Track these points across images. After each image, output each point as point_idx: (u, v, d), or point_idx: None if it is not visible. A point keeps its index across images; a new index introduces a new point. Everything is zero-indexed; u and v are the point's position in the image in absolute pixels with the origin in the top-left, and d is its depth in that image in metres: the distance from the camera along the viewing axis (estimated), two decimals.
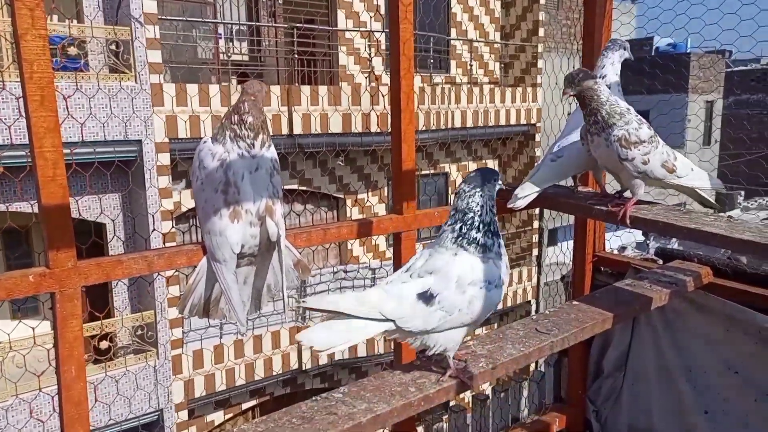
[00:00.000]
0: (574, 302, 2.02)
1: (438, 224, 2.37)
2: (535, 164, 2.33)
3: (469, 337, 1.61)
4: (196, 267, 1.60)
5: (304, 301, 1.45)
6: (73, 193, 6.95)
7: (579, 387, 2.76)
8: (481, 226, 1.40)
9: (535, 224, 12.34)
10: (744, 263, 2.37)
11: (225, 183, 1.52)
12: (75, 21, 7.58)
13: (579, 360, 2.73)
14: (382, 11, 10.03)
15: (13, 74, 6.50)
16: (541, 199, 2.23)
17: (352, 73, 9.94)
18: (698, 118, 17.29)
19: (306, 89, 8.82)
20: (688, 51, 17.54)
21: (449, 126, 10.69)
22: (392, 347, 2.27)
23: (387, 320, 1.36)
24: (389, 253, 9.81)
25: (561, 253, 9.33)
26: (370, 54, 9.99)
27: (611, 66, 2.12)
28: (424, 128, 10.02)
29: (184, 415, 8.30)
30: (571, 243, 2.78)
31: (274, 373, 8.91)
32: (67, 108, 5.93)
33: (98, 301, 7.36)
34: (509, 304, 11.92)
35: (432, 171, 11.57)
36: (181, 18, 8.71)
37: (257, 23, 9.86)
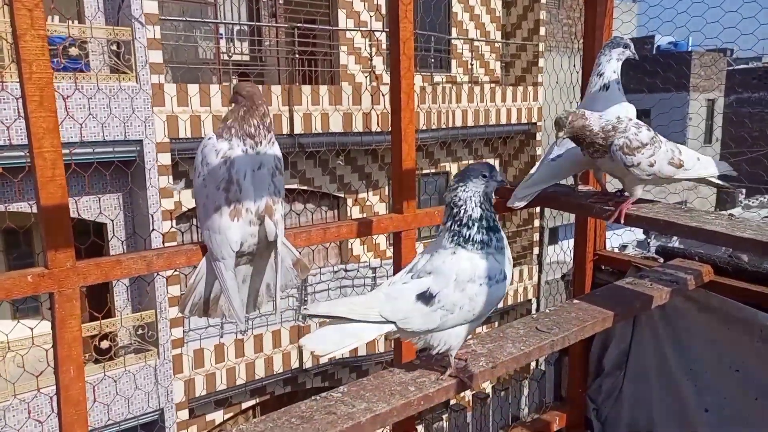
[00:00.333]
0: (575, 301, 2.02)
1: (438, 223, 2.37)
2: (536, 163, 2.33)
3: (469, 336, 1.60)
4: (196, 266, 1.60)
5: (305, 308, 1.46)
6: (73, 193, 6.97)
7: (579, 386, 2.75)
8: (470, 223, 1.38)
9: (536, 223, 12.34)
10: (745, 261, 2.37)
11: (227, 180, 1.52)
12: (76, 21, 7.59)
13: (579, 358, 2.73)
14: (383, 11, 10.03)
15: (12, 75, 6.50)
16: (542, 197, 2.22)
17: (353, 72, 9.94)
18: (699, 117, 17.26)
19: (307, 89, 8.82)
20: (689, 49, 17.51)
21: (450, 125, 10.68)
22: (392, 346, 2.26)
23: (388, 322, 1.37)
24: (390, 252, 9.80)
25: (562, 252, 9.33)
26: (370, 53, 9.98)
27: (608, 63, 2.11)
28: (424, 127, 10.01)
29: (184, 414, 8.31)
30: (571, 241, 2.77)
31: (275, 372, 8.91)
32: (66, 108, 5.92)
33: (99, 300, 7.36)
34: (510, 302, 11.91)
35: (433, 170, 11.56)
36: (182, 18, 8.71)
37: (258, 23, 9.86)
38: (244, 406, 9.33)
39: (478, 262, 1.39)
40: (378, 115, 9.29)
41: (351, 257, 10.29)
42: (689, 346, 2.38)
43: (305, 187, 9.72)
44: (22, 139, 6.05)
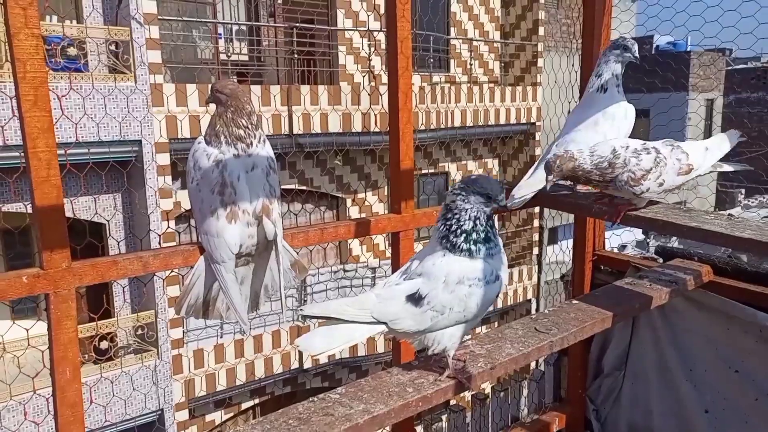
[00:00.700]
0: (574, 301, 2.01)
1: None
2: (535, 163, 2.32)
3: (468, 337, 1.60)
4: (192, 267, 1.59)
5: (301, 309, 1.46)
6: (71, 193, 6.96)
7: (579, 386, 2.75)
8: (459, 232, 1.38)
9: (536, 223, 12.33)
10: (744, 261, 2.36)
11: (221, 184, 1.50)
12: (74, 21, 7.57)
13: (579, 359, 2.72)
14: (382, 10, 10.02)
15: (6, 74, 6.49)
16: (540, 197, 2.22)
17: (352, 72, 9.93)
18: (699, 116, 17.27)
19: (305, 89, 8.81)
20: (688, 49, 17.51)
21: (449, 125, 10.67)
22: (392, 347, 2.26)
23: (380, 323, 1.39)
24: (389, 252, 9.79)
25: (561, 252, 9.33)
26: (369, 53, 9.98)
27: (606, 65, 2.12)
28: (423, 127, 10.00)
29: (184, 414, 8.30)
30: (571, 242, 2.77)
31: (275, 373, 8.90)
32: (62, 108, 5.92)
33: (98, 301, 7.35)
34: (509, 302, 11.91)
35: (432, 170, 11.55)
36: (180, 18, 8.69)
37: (257, 23, 9.85)
38: (244, 406, 9.33)
39: (467, 264, 1.39)
40: (377, 115, 9.28)
41: (350, 257, 10.28)
42: (689, 346, 2.38)
43: (304, 187, 9.71)
44: (17, 139, 6.04)
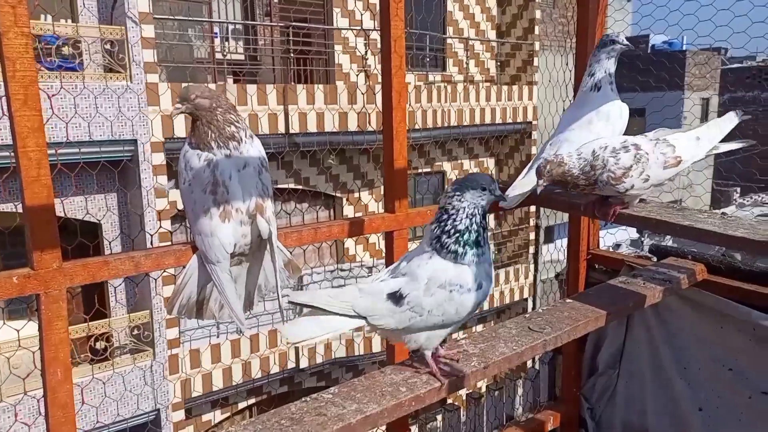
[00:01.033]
0: (568, 300, 2.01)
1: None
2: (529, 163, 2.32)
3: (464, 335, 1.61)
4: (184, 267, 1.58)
5: (286, 295, 1.47)
6: (66, 193, 6.94)
7: (573, 385, 2.75)
8: (452, 232, 1.38)
9: (531, 221, 12.34)
10: (738, 260, 2.36)
11: (213, 183, 1.50)
12: (69, 20, 7.54)
13: (573, 358, 2.72)
14: (377, 9, 9.99)
15: None
16: (535, 196, 2.22)
17: (348, 71, 9.92)
18: (693, 115, 17.30)
19: (301, 88, 8.80)
20: (683, 48, 17.56)
21: (445, 124, 10.67)
22: (386, 346, 2.26)
23: (361, 317, 1.41)
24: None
25: (556, 251, 9.34)
26: (365, 52, 9.97)
27: (598, 63, 2.12)
28: (419, 126, 10.00)
29: (180, 414, 8.28)
30: (566, 240, 2.77)
31: (271, 372, 8.89)
32: (52, 107, 5.88)
33: (93, 301, 7.33)
34: (506, 301, 11.92)
35: (428, 169, 11.56)
36: (176, 17, 8.67)
37: (252, 22, 9.83)
38: (241, 406, 9.32)
39: (451, 269, 1.39)
40: (369, 114, 9.27)
41: (346, 257, 10.28)
42: (682, 344, 2.38)
43: (300, 187, 9.69)
44: (5, 138, 6.01)
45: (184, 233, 8.68)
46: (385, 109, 2.07)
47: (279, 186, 9.36)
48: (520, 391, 2.84)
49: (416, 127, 9.87)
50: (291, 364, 9.08)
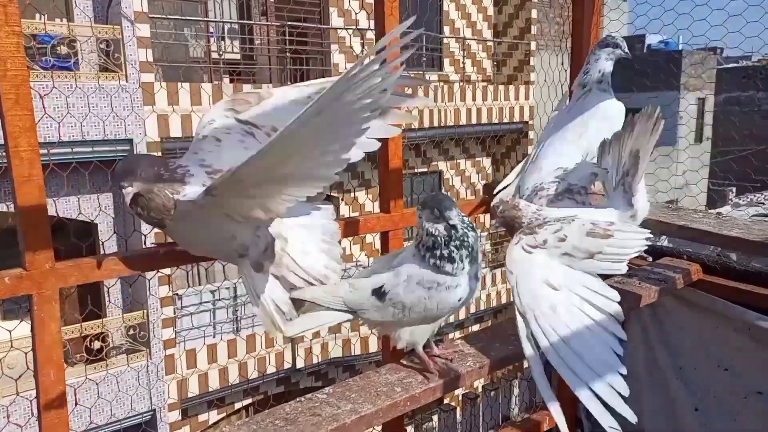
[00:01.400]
0: None
1: None
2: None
3: (460, 334, 1.62)
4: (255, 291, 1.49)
5: (291, 290, 1.52)
6: (61, 192, 6.92)
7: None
8: (423, 248, 1.43)
9: None
10: (733, 260, 2.37)
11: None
12: (65, 20, 7.52)
13: None
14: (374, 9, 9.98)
15: None
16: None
17: (344, 71, 9.91)
18: (689, 115, 17.35)
19: None
20: (679, 48, 17.59)
21: (442, 124, 10.67)
22: (381, 346, 2.25)
23: (352, 310, 1.50)
24: None
25: None
26: (362, 52, 9.96)
27: (595, 63, 2.09)
28: (416, 126, 9.99)
29: (176, 415, 8.26)
30: None
31: (267, 372, 8.88)
32: (44, 107, 5.85)
33: (89, 301, 7.31)
34: (503, 301, 11.93)
35: (424, 169, 11.56)
36: (172, 17, 8.65)
37: (248, 21, 9.81)
38: (237, 406, 9.30)
39: (431, 272, 1.43)
40: None
41: (344, 256, 10.27)
42: (678, 344, 2.38)
43: None
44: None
45: None
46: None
47: None
48: (516, 391, 2.84)
49: (413, 126, 9.87)
50: (287, 365, 9.07)
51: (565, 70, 2.69)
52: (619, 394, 1.46)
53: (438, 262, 1.41)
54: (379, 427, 2.01)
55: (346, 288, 1.50)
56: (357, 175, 10.41)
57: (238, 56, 10.06)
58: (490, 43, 12.53)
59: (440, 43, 11.65)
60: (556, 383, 2.83)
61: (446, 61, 11.81)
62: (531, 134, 12.26)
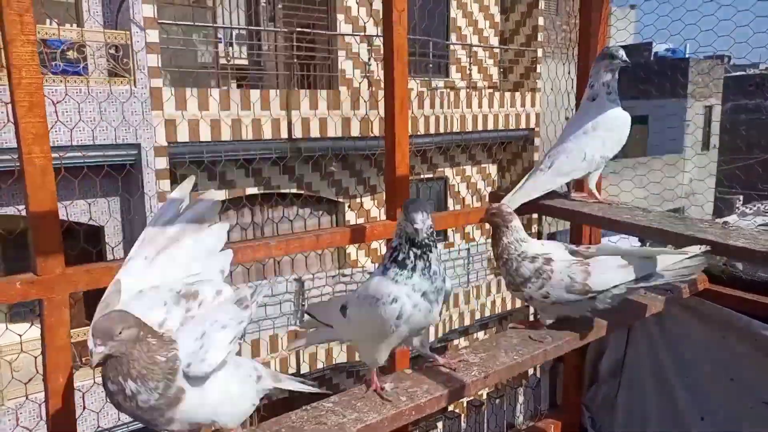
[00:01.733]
0: None
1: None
2: (527, 174, 2.37)
3: (465, 342, 1.63)
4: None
5: (304, 306, 1.58)
6: (70, 196, 6.96)
7: (574, 393, 2.74)
8: (390, 249, 1.45)
9: (534, 228, 12.32)
10: (740, 270, 2.36)
11: None
12: (74, 25, 7.59)
13: (574, 366, 2.72)
14: (381, 15, 10.02)
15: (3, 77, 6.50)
16: (535, 205, 2.23)
17: (351, 77, 9.95)
18: (695, 124, 17.30)
19: (305, 93, 8.82)
20: (686, 56, 17.56)
21: (448, 130, 10.68)
22: None
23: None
24: None
25: None
26: (369, 59, 10.00)
27: (597, 75, 2.16)
28: (422, 132, 10.01)
29: None
30: None
31: None
32: (56, 112, 5.91)
33: (96, 305, 7.32)
34: (508, 308, 11.90)
35: (430, 175, 11.56)
36: (180, 23, 8.71)
37: (256, 27, 9.87)
38: None
39: (377, 283, 1.41)
40: (372, 121, 9.29)
41: (349, 262, 10.27)
42: (684, 354, 2.38)
43: (303, 192, 9.71)
44: (9, 141, 6.03)
45: None
46: (388, 116, 2.08)
47: (282, 191, 9.37)
48: (521, 399, 2.83)
49: (419, 132, 9.89)
50: (292, 370, 9.06)
51: (572, 79, 2.70)
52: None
53: (387, 263, 1.40)
54: None
55: (333, 304, 1.54)
56: (363, 181, 10.43)
57: (246, 62, 10.12)
58: (496, 50, 12.55)
59: (447, 50, 11.67)
60: (561, 389, 2.84)
61: (453, 68, 11.83)
62: (537, 141, 12.24)
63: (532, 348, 1.71)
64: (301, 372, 9.12)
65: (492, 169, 12.66)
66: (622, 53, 2.08)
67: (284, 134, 8.66)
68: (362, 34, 9.81)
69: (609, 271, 1.73)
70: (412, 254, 1.38)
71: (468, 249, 11.57)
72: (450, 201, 11.90)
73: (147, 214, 7.41)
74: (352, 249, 10.22)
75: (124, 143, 7.23)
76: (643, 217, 2.04)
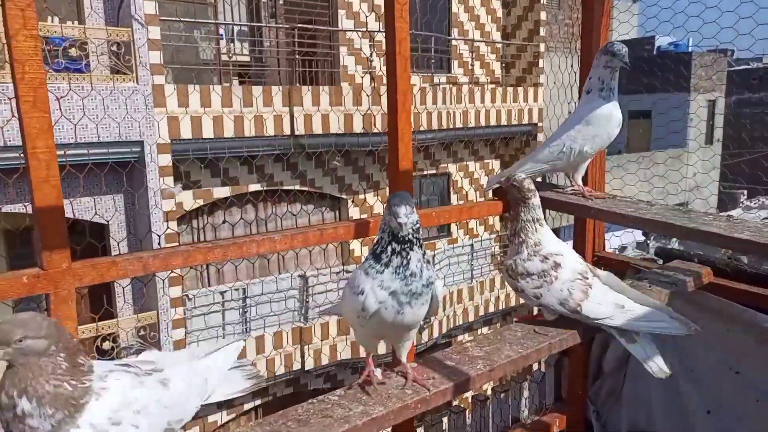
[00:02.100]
0: None
1: (435, 224, 2.37)
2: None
3: (470, 337, 1.62)
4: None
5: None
6: (72, 194, 6.98)
7: (579, 387, 2.74)
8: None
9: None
10: (744, 263, 2.36)
11: None
12: (75, 22, 7.59)
13: (579, 360, 2.72)
14: (383, 11, 9.99)
15: (5, 75, 6.50)
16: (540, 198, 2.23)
17: (353, 73, 9.94)
18: (699, 117, 17.24)
19: (307, 89, 8.82)
20: (689, 50, 17.49)
21: (451, 126, 10.67)
22: (391, 349, 2.26)
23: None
24: None
25: None
26: (371, 54, 9.98)
27: (595, 69, 2.17)
28: (425, 128, 10.00)
29: None
30: (571, 243, 2.76)
31: (277, 374, 8.90)
32: (61, 110, 5.92)
33: (100, 301, 7.36)
34: (512, 303, 11.90)
35: (433, 171, 11.55)
36: (182, 19, 8.71)
37: (258, 24, 9.86)
38: (246, 407, 9.33)
39: (354, 271, 1.46)
40: (374, 117, 9.28)
41: (352, 258, 10.28)
42: (689, 347, 2.37)
43: (305, 188, 9.71)
44: (14, 139, 6.05)
45: (191, 234, 8.71)
46: (390, 112, 2.08)
47: (284, 187, 9.38)
48: (525, 393, 2.83)
49: (421, 128, 9.87)
50: (297, 366, 9.09)
51: (575, 72, 2.69)
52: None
53: (368, 255, 1.40)
54: (388, 430, 2.02)
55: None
56: (365, 177, 10.43)
57: (247, 58, 10.11)
58: (498, 45, 12.51)
59: (449, 45, 11.64)
60: (566, 383, 2.84)
61: (455, 63, 11.81)
62: (540, 136, 12.21)
63: (537, 341, 1.71)
64: (306, 368, 9.15)
65: (495, 165, 12.64)
66: (624, 53, 2.07)
67: (287, 130, 8.66)
68: (364, 29, 9.79)
69: (606, 305, 1.73)
70: (390, 249, 1.35)
71: (471, 245, 11.57)
72: (453, 197, 11.89)
73: (151, 211, 7.42)
74: (355, 245, 10.23)
75: (127, 140, 7.24)
76: (647, 211, 2.04)
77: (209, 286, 8.86)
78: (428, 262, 1.40)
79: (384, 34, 1.94)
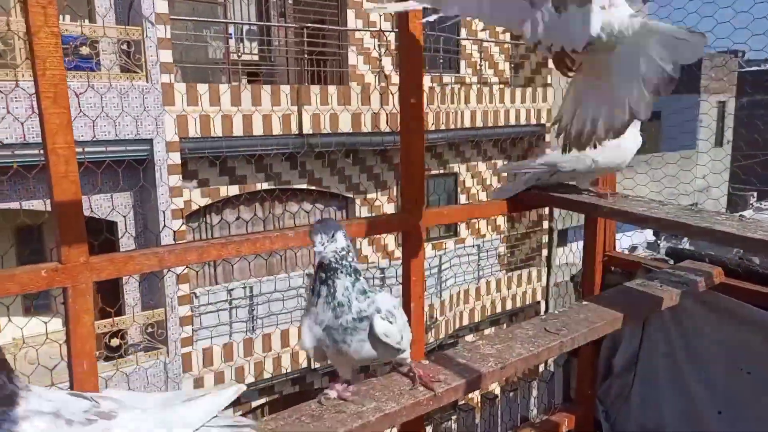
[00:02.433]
0: (584, 302, 2.02)
1: (446, 223, 2.39)
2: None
3: (478, 337, 1.63)
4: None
5: None
6: (84, 191, 7.03)
7: (588, 387, 2.74)
8: None
9: (545, 224, 12.29)
10: (756, 263, 2.35)
11: None
12: (87, 21, 7.64)
13: (588, 360, 2.72)
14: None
15: (25, 73, 6.56)
16: (549, 197, 2.24)
17: (362, 72, 9.95)
18: (710, 118, 17.14)
19: (316, 89, 8.84)
20: None
21: (459, 126, 10.66)
22: None
23: None
24: (398, 253, 9.80)
25: (570, 254, 9.31)
26: (380, 53, 9.99)
27: None
28: (433, 128, 10.00)
29: None
30: (580, 244, 2.76)
31: (283, 372, 8.93)
32: (79, 106, 5.96)
33: (109, 298, 7.41)
34: (518, 304, 11.88)
35: (441, 171, 11.55)
36: (192, 18, 8.75)
37: (267, 23, 9.89)
38: (253, 405, 9.36)
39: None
40: (387, 116, 9.29)
41: (359, 258, 10.29)
42: (700, 347, 2.37)
43: (313, 187, 9.73)
44: (35, 136, 6.10)
45: (199, 232, 8.74)
46: (403, 111, 2.08)
47: (293, 186, 9.40)
48: (534, 392, 2.83)
49: (430, 128, 9.87)
50: (303, 364, 9.11)
51: None
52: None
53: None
54: (396, 429, 2.03)
55: None
56: (374, 176, 10.44)
57: (256, 57, 10.14)
58: (507, 45, 12.48)
59: (458, 45, 11.63)
60: (575, 382, 2.84)
61: (463, 63, 11.79)
62: (548, 137, 12.18)
63: (548, 340, 1.72)
64: (313, 367, 9.17)
65: (503, 164, 12.62)
66: None
67: (295, 129, 8.68)
68: (374, 29, 9.80)
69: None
70: (317, 278, 1.29)
71: (478, 245, 11.56)
72: (461, 197, 11.89)
73: (160, 209, 7.47)
74: (363, 245, 10.24)
75: (136, 138, 7.29)
76: (658, 210, 2.04)
77: (216, 283, 8.90)
78: (364, 292, 1.30)
79: (394, 33, 1.94)
